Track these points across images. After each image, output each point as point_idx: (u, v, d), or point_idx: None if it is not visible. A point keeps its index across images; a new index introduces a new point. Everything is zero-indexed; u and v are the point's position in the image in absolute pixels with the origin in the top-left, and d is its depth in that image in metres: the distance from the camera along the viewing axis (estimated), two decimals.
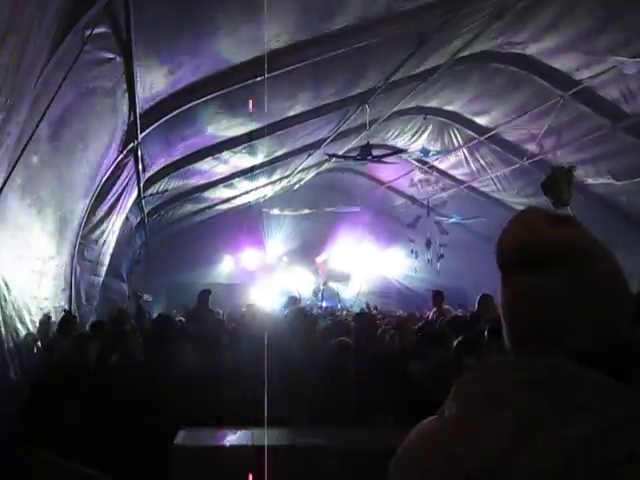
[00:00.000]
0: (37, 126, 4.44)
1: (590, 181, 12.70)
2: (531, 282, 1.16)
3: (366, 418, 4.80)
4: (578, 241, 1.15)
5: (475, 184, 15.90)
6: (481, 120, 13.38)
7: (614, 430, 0.99)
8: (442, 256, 18.66)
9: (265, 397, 3.98)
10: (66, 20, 4.25)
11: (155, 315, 10.38)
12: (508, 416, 1.06)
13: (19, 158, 4.38)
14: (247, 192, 16.03)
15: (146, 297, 14.77)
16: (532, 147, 12.71)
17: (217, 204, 16.08)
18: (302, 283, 20.96)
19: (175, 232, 17.53)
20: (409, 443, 1.28)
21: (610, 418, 1.00)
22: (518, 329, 1.19)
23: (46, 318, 6.75)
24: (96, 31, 4.70)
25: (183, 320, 9.22)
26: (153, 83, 6.94)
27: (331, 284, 21.37)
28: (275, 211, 19.72)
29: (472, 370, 1.20)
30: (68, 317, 7.55)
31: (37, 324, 6.35)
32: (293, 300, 11.13)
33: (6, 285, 5.14)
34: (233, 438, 3.76)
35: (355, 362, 5.20)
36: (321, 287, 20.39)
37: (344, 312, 15.77)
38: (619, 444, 0.97)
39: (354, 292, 21.59)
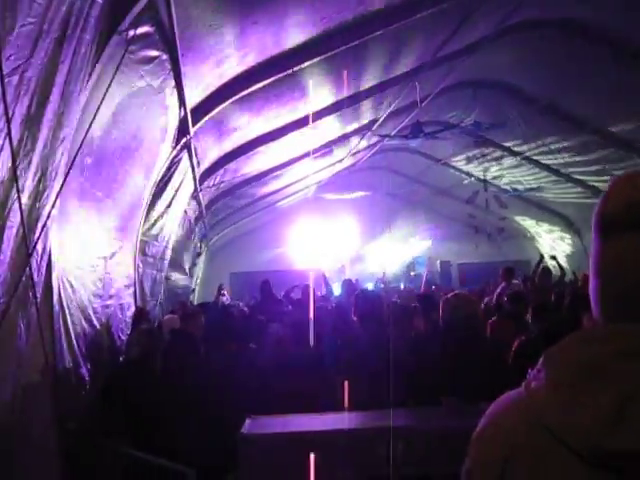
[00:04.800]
0: (89, 129, 4.51)
1: None
2: (626, 244, 1.13)
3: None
4: None
5: (531, 155, 15.55)
6: (534, 89, 13.04)
7: None
8: (502, 230, 18.40)
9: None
10: (109, 22, 4.31)
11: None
12: (608, 386, 1.03)
13: (74, 161, 4.47)
14: (302, 179, 16.05)
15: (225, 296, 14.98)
16: (588, 116, 12.33)
17: (273, 192, 16.14)
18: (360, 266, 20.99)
19: (234, 222, 17.69)
20: (493, 416, 1.26)
21: None
22: (621, 292, 1.15)
23: (112, 316, 6.91)
24: (139, 31, 4.75)
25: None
26: (201, 77, 7.01)
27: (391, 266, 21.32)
28: (331, 195, 19.73)
29: (564, 339, 1.16)
30: (141, 313, 7.75)
31: (103, 322, 6.51)
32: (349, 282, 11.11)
33: (71, 285, 5.28)
34: (298, 424, 3.79)
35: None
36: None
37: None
38: None
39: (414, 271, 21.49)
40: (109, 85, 4.54)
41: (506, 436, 1.17)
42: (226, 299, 14.58)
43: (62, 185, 4.36)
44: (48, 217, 4.26)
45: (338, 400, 4.58)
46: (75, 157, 4.52)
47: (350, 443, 3.51)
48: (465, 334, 4.93)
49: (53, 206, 4.32)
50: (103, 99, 4.59)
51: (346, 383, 4.84)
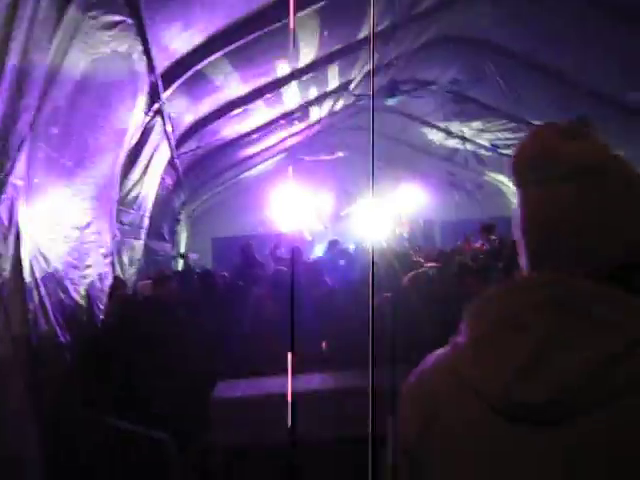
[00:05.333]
0: (44, 98, 4.43)
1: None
2: (548, 195, 1.12)
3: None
4: (594, 154, 1.11)
5: (511, 111, 15.48)
6: (515, 46, 12.92)
7: (630, 349, 0.97)
8: (481, 186, 18.43)
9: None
10: None
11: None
12: (524, 338, 1.04)
13: (39, 131, 4.40)
14: (281, 141, 15.95)
15: (192, 257, 14.92)
16: (572, 72, 12.25)
17: (252, 156, 16.02)
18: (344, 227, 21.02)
19: (215, 187, 17.58)
20: (420, 373, 1.27)
21: (626, 335, 0.98)
22: (535, 245, 1.16)
23: (91, 286, 6.87)
24: None
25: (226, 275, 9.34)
26: (169, 41, 6.89)
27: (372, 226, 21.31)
28: (310, 157, 19.64)
29: (485, 294, 1.17)
30: (118, 281, 7.71)
31: (82, 292, 6.47)
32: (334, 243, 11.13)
33: (44, 257, 5.22)
34: (267, 386, 3.80)
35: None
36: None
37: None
38: (631, 365, 0.96)
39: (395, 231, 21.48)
40: (66, 51, 4.44)
41: (430, 392, 1.19)
42: (193, 257, 14.49)
43: (27, 156, 4.29)
44: (14, 189, 4.20)
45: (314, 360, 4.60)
46: (40, 126, 4.45)
47: (324, 403, 3.52)
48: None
49: (20, 178, 4.26)
50: (67, 66, 4.50)
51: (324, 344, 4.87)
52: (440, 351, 1.25)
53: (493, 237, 11.76)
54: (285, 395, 3.74)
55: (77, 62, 4.89)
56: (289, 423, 3.44)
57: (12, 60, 3.59)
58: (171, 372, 4.52)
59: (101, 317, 6.97)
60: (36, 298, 4.93)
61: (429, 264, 7.82)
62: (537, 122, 15.00)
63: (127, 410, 3.81)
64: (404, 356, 4.78)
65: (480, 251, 10.38)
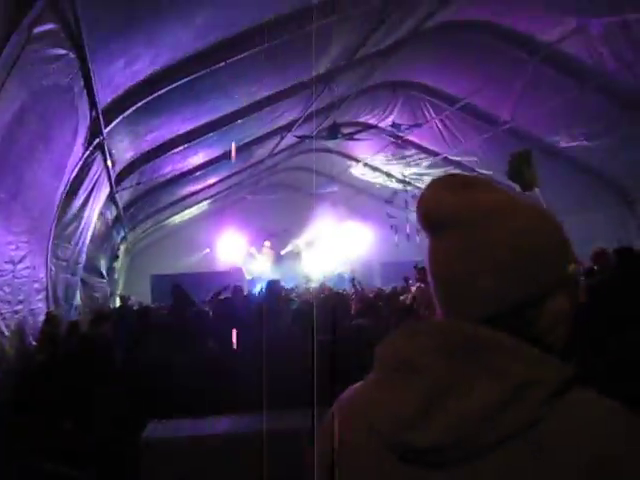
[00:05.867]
0: None
1: (563, 144, 12.70)
2: (434, 245, 1.17)
3: None
4: (473, 207, 1.13)
5: (450, 156, 15.84)
6: (451, 90, 13.32)
7: (516, 395, 1.00)
8: (420, 230, 18.72)
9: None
10: (9, 19, 4.18)
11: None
12: (417, 382, 1.07)
13: None
14: (223, 179, 15.95)
15: (132, 300, 14.63)
16: (504, 115, 12.67)
17: (195, 192, 15.96)
18: (285, 266, 21.06)
19: (155, 224, 17.42)
20: (335, 408, 1.29)
21: (512, 381, 1.01)
22: (435, 292, 1.19)
23: (22, 321, 6.70)
24: (42, 28, 4.62)
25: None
26: (111, 77, 6.87)
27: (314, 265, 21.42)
28: (253, 196, 19.71)
29: (391, 335, 1.19)
30: (50, 319, 7.50)
31: (12, 328, 6.30)
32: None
33: None
34: (201, 427, 3.76)
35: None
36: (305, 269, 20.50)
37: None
38: (517, 410, 0.99)
39: (337, 271, 21.58)
40: (3, 82, 4.40)
41: (337, 428, 1.21)
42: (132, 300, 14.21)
43: None
44: None
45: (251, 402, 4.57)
46: None
47: (253, 446, 3.49)
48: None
49: None
50: (4, 97, 4.45)
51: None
52: (355, 386, 1.27)
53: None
54: (216, 437, 3.69)
55: (16, 94, 4.85)
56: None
57: None
58: (102, 412, 4.42)
59: (31, 354, 6.79)
60: None
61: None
62: (473, 166, 15.43)
63: (53, 449, 3.71)
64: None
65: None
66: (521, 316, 1.10)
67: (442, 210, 1.15)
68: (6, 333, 6.01)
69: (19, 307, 6.58)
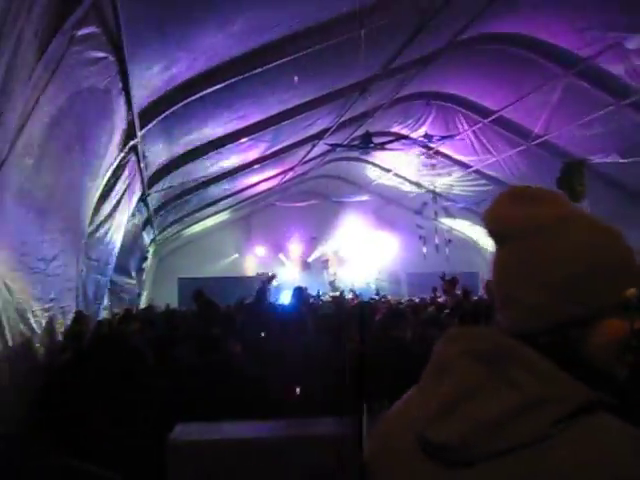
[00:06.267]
0: (22, 129, 4.44)
1: (596, 160, 12.59)
2: (497, 255, 1.21)
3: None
4: (535, 220, 1.15)
5: (482, 168, 15.79)
6: (485, 103, 13.29)
7: (530, 408, 1.02)
8: (450, 241, 18.66)
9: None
10: (53, 22, 4.25)
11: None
12: (448, 382, 1.12)
13: (12, 162, 4.40)
14: (253, 185, 16.03)
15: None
16: (537, 128, 12.61)
17: (224, 197, 16.07)
18: (312, 274, 21.09)
19: (185, 227, 17.57)
20: (393, 407, 1.36)
21: (524, 395, 1.04)
22: (494, 300, 1.23)
23: (53, 319, 6.77)
24: (84, 31, 4.69)
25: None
26: (149, 80, 6.95)
27: (341, 273, 21.44)
28: (282, 203, 19.77)
29: (438, 341, 1.24)
30: (78, 317, 7.58)
31: (44, 325, 6.37)
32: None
33: (7, 288, 5.16)
34: (229, 431, 3.77)
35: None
36: (332, 277, 20.51)
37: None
38: (528, 425, 1.01)
39: (364, 280, 21.59)
40: (46, 84, 4.47)
41: (382, 428, 1.32)
42: None
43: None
44: None
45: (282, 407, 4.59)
46: (15, 157, 4.44)
47: (282, 451, 3.49)
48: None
49: None
50: (45, 99, 4.52)
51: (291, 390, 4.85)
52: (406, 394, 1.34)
53: (457, 291, 11.87)
54: (244, 441, 3.71)
55: (56, 95, 4.91)
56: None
57: None
58: (128, 412, 4.45)
59: (60, 351, 6.86)
60: None
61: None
62: (505, 179, 15.36)
63: (80, 448, 3.74)
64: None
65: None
66: (565, 336, 1.10)
67: (504, 222, 1.18)
68: (37, 331, 6.07)
69: (50, 305, 6.65)
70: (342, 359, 4.66)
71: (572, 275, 1.10)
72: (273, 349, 6.08)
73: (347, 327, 6.29)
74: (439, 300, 11.94)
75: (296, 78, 8.65)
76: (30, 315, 5.89)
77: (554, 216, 1.15)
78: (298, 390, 5.08)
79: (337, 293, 17.50)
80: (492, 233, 1.21)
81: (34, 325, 5.99)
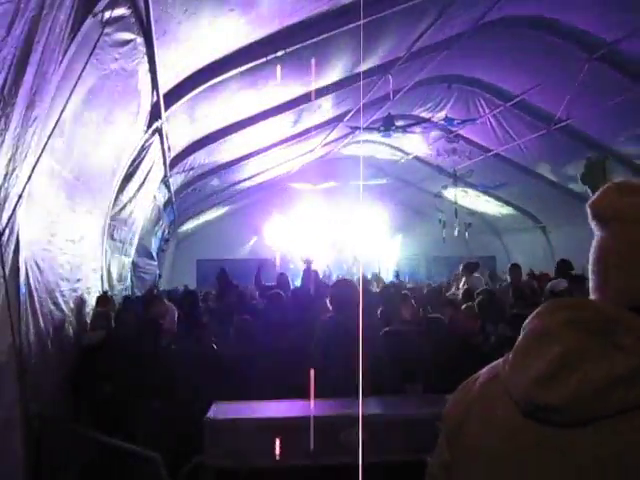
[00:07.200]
0: (62, 112, 4.48)
1: (619, 146, 12.49)
2: (598, 238, 1.33)
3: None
4: (630, 209, 1.28)
5: (502, 152, 15.69)
6: (506, 86, 13.17)
7: (634, 372, 1.10)
8: (470, 225, 18.60)
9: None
10: (85, 3, 4.27)
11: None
12: (549, 350, 1.20)
13: (46, 143, 4.44)
14: (272, 167, 16.03)
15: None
16: (560, 113, 12.49)
17: (243, 180, 16.10)
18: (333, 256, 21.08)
19: (204, 209, 17.63)
20: (474, 377, 1.43)
21: (632, 360, 1.11)
22: (591, 277, 1.34)
23: (80, 299, 6.86)
24: (115, 13, 4.72)
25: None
26: (175, 62, 6.97)
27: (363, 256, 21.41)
28: (301, 185, 19.75)
29: (537, 310, 1.33)
30: (104, 297, 7.67)
31: (71, 305, 6.46)
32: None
33: (38, 267, 5.23)
34: (263, 410, 3.82)
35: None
36: (354, 259, 20.50)
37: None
38: (637, 387, 1.09)
39: (384, 263, 21.60)
40: (84, 67, 4.50)
41: (468, 393, 1.38)
42: None
43: (33, 166, 4.33)
44: (18, 198, 4.23)
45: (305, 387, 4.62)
46: (48, 139, 4.49)
47: (314, 429, 3.54)
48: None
49: (23, 187, 4.29)
50: (78, 80, 4.55)
51: (312, 371, 4.88)
52: (491, 365, 1.41)
53: (476, 275, 11.89)
54: (274, 420, 3.76)
55: (86, 77, 4.95)
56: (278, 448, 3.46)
57: (29, 72, 3.65)
58: (162, 391, 4.52)
59: (87, 331, 6.95)
60: (29, 308, 4.94)
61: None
62: (526, 164, 15.27)
63: (116, 428, 3.81)
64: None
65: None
66: None
67: (612, 206, 1.31)
68: (66, 311, 6.15)
69: (77, 285, 6.74)
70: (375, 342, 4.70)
71: None
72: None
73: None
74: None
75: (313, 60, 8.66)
76: (58, 295, 5.97)
77: None
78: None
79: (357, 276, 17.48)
80: (596, 215, 1.33)
81: (63, 306, 6.07)
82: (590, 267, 1.35)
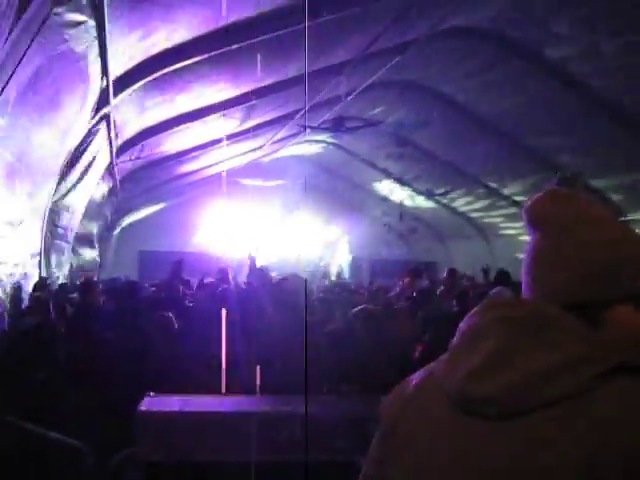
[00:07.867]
0: (2, 90, 4.36)
1: (566, 159, 12.77)
2: (530, 241, 1.40)
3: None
4: (560, 214, 1.35)
5: (448, 159, 15.87)
6: (458, 96, 13.33)
7: (568, 366, 1.15)
8: (415, 230, 18.78)
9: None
10: None
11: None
12: (481, 347, 1.24)
13: None
14: (221, 162, 15.92)
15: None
16: (508, 125, 12.73)
17: (191, 173, 15.95)
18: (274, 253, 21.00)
19: (149, 200, 17.39)
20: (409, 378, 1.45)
21: (560, 355, 1.17)
22: (523, 277, 1.39)
23: (17, 284, 6.70)
24: None
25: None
26: (126, 48, 6.85)
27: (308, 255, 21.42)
28: (247, 181, 19.67)
29: (472, 310, 1.38)
30: (40, 284, 7.49)
31: (7, 290, 6.31)
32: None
33: None
34: (197, 404, 3.79)
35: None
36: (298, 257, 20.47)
37: None
38: (570, 379, 1.13)
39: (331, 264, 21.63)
40: (29, 44, 4.39)
41: (403, 392, 1.41)
42: None
43: None
44: None
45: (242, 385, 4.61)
46: None
47: (248, 426, 3.53)
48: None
49: None
50: (22, 58, 4.44)
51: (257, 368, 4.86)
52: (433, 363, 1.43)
53: (424, 280, 12.00)
54: (208, 414, 3.73)
55: (33, 57, 4.84)
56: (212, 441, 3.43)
57: None
58: (97, 379, 4.44)
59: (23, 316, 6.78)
60: None
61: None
62: (473, 172, 15.51)
63: (44, 417, 3.70)
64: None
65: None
66: (586, 316, 1.25)
67: (544, 211, 1.38)
68: (1, 295, 6.01)
69: (14, 270, 6.58)
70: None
71: (594, 263, 1.29)
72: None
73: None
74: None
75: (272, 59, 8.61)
76: None
77: (576, 213, 1.36)
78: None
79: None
80: (531, 219, 1.40)
81: None
82: (523, 268, 1.40)
